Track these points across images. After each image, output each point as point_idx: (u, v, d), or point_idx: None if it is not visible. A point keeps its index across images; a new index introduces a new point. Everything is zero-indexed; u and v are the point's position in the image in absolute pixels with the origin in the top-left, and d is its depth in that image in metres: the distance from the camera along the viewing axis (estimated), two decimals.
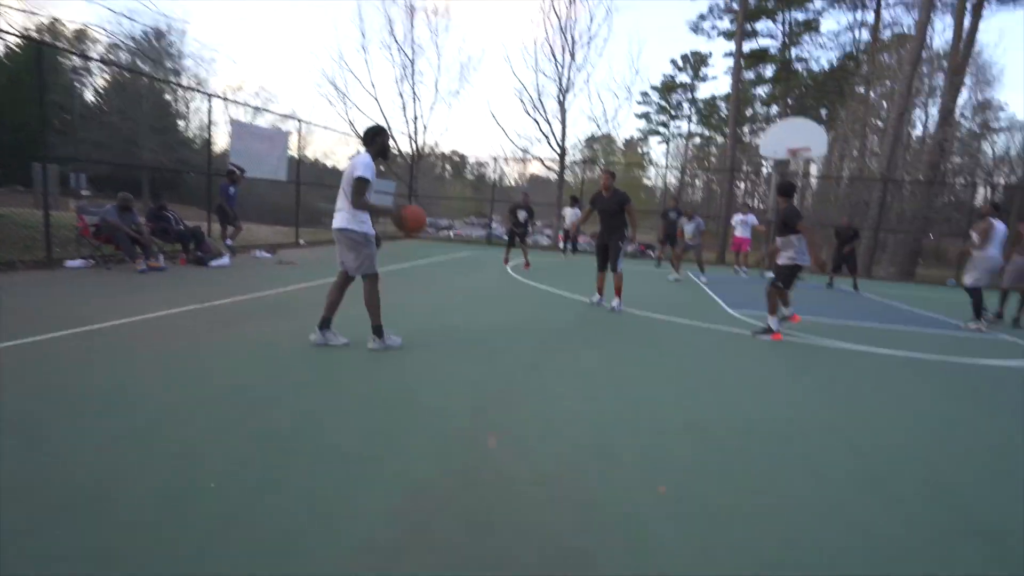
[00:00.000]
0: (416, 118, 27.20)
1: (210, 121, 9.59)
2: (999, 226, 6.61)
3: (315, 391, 2.96)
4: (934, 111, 27.08)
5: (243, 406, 2.68)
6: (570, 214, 11.51)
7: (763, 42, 36.12)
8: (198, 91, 27.79)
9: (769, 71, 38.29)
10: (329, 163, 36.15)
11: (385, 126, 4.67)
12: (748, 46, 35.00)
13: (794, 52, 35.75)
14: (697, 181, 69.40)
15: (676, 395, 3.38)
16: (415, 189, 23.25)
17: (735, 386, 3.66)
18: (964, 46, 24.05)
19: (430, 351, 3.96)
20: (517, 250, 11.68)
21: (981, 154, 42.78)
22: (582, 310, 6.17)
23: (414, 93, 26.18)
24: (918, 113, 28.97)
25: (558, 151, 23.64)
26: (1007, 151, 47.50)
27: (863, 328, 6.32)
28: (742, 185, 60.43)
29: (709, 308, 7.05)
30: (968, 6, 22.99)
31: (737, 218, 12.21)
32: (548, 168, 25.40)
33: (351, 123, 25.74)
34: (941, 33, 31.43)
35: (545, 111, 23.69)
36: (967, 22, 23.88)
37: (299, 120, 12.52)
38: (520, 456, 2.37)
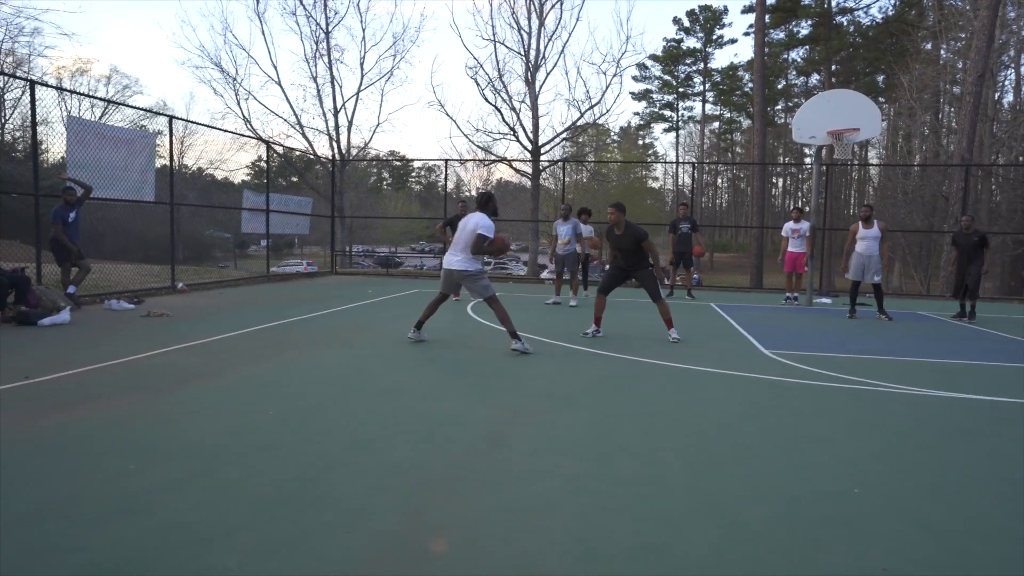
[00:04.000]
0: (337, 109, 27.59)
1: (34, 119, 9.53)
2: None
3: (188, 492, 2.92)
4: None
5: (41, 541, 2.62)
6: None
7: None
8: (13, 76, 27.55)
9: (804, 29, 40.30)
10: (220, 174, 36.06)
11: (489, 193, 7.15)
12: None
13: (836, 1, 37.70)
14: (720, 179, 71.75)
15: (690, 468, 3.44)
16: (340, 206, 23.23)
17: (772, 456, 3.74)
18: None
19: (350, 427, 3.96)
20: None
21: None
22: (565, 356, 6.27)
23: (332, 75, 26.65)
24: (1007, 74, 30.73)
25: (529, 148, 24.21)
26: None
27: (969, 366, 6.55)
28: (778, 182, 62.54)
29: (739, 348, 7.23)
30: None
31: (788, 227, 12.60)
32: (519, 172, 25.94)
33: (247, 119, 26.01)
34: None
35: (509, 95, 24.38)
36: None
37: (172, 116, 12.57)
38: (474, 566, 2.38)
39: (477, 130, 24.92)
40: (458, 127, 72.55)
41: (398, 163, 56.27)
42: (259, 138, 22.29)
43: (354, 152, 29.49)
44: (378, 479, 3.18)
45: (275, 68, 44.00)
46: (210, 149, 63.29)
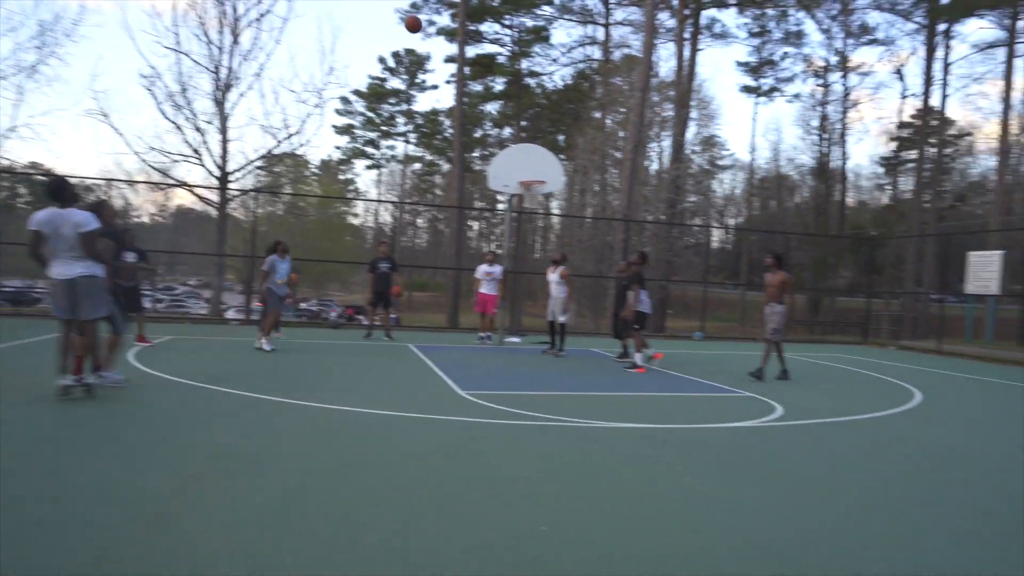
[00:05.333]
0: None
1: None
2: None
3: None
4: (667, 144, 35.35)
5: None
6: (286, 269, 10.06)
7: (491, 48, 41.65)
8: None
9: (499, 85, 44.35)
10: None
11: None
12: (473, 51, 39.88)
13: (525, 64, 42.28)
14: (419, 219, 74.80)
15: (387, 525, 3.32)
16: None
17: (472, 500, 3.80)
18: (686, 78, 32.31)
19: None
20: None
21: (711, 193, 57.31)
22: (250, 408, 5.74)
23: None
24: (653, 147, 37.28)
25: (217, 174, 22.41)
26: (732, 190, 64.77)
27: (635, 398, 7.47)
28: (474, 225, 67.32)
29: (436, 390, 7.40)
30: (686, 35, 31.02)
31: (482, 270, 13.33)
32: (203, 200, 23.81)
33: None
34: (666, 61, 41.63)
35: (194, 114, 22.33)
36: (687, 52, 32.22)
37: None
38: None
39: (152, 148, 22.17)
40: (127, 143, 64.46)
41: (42, 177, 47.89)
42: None
43: None
44: None
45: None
46: None
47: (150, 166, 22.40)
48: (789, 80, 48.82)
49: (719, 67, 53.91)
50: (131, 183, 24.93)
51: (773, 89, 50.30)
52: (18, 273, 39.87)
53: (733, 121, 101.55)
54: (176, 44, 21.50)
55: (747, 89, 51.03)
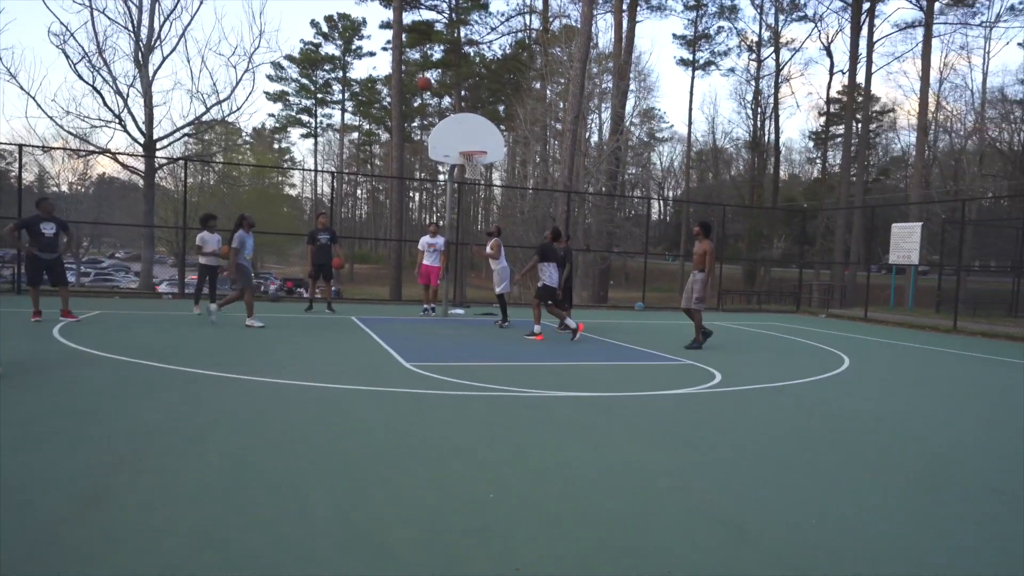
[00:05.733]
0: None
1: None
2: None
3: None
4: (607, 116, 35.53)
5: None
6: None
7: (428, 15, 40.83)
8: None
9: (438, 53, 43.63)
10: None
11: None
12: (410, 17, 39.04)
13: (464, 32, 41.67)
14: (359, 191, 73.50)
15: (335, 497, 3.31)
16: None
17: (416, 471, 3.83)
18: (625, 50, 32.45)
19: None
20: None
21: (651, 165, 58.12)
22: (189, 384, 5.60)
23: None
24: (593, 118, 37.46)
25: (141, 141, 21.39)
26: (671, 162, 65.84)
27: (570, 367, 7.59)
28: (415, 196, 66.51)
29: (381, 362, 7.37)
30: (624, 6, 31.08)
31: (424, 241, 13.21)
32: (127, 168, 22.74)
33: None
34: (604, 32, 41.67)
35: (114, 76, 21.18)
36: (625, 23, 32.31)
37: None
38: None
39: (68, 112, 20.86)
40: (39, 106, 60.89)
41: None
42: None
43: None
44: None
45: None
46: None
47: (67, 131, 21.24)
48: (724, 54, 49.84)
49: (657, 40, 54.23)
50: (46, 149, 23.57)
51: (709, 63, 51.20)
52: None
53: (671, 94, 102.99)
54: (89, 1, 20.27)
55: (683, 62, 51.75)
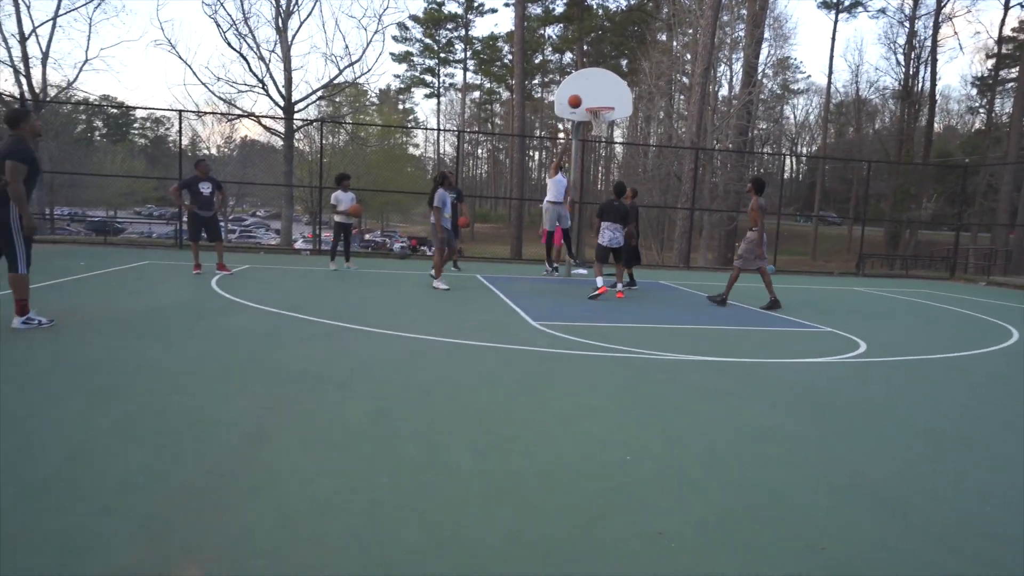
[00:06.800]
0: (25, 36, 23.21)
1: None
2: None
3: None
4: (738, 67, 33.71)
5: None
6: (349, 199, 11.42)
7: None
8: None
9: (560, 7, 42.89)
10: None
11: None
12: None
13: None
14: (480, 150, 74.31)
15: (474, 451, 3.40)
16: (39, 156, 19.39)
17: (551, 429, 3.86)
18: None
19: (62, 435, 3.29)
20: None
21: (784, 119, 54.75)
22: (332, 336, 5.93)
23: None
24: (723, 70, 35.62)
25: (281, 104, 22.60)
26: (807, 116, 61.67)
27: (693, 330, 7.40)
28: (535, 155, 66.36)
29: (509, 321, 7.47)
30: None
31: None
32: (269, 130, 24.13)
33: None
34: None
35: (257, 43, 22.48)
36: None
37: None
38: None
39: (219, 79, 22.43)
40: (194, 74, 65.62)
41: (115, 110, 49.39)
42: None
43: (52, 93, 25.20)
44: (103, 501, 2.66)
45: None
46: None
47: (217, 97, 22.81)
48: None
49: None
50: (199, 114, 25.44)
51: (856, 3, 47.14)
52: (100, 204, 41.81)
53: (809, 42, 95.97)
54: None
55: (826, 4, 47.97)
